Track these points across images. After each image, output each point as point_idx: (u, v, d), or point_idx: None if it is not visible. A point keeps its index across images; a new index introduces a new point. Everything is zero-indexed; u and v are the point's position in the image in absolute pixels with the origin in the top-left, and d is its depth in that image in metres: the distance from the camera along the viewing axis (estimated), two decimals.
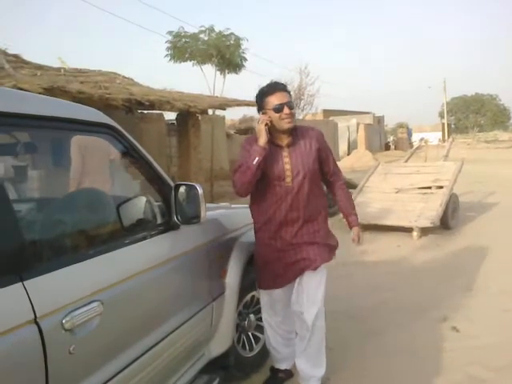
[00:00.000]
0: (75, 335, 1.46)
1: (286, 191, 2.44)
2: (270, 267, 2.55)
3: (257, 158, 2.33)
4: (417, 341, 3.31)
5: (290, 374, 2.79)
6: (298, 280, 2.52)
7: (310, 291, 2.49)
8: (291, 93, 2.60)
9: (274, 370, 2.81)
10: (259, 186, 2.45)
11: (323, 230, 2.57)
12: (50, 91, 6.22)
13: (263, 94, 2.44)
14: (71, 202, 1.93)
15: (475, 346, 3.19)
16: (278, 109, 2.38)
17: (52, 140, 2.22)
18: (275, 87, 2.43)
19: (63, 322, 1.41)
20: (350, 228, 2.68)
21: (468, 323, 3.58)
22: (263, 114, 2.44)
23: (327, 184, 2.69)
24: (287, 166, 2.43)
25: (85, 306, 1.50)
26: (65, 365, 1.44)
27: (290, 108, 2.40)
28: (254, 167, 2.33)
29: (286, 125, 2.40)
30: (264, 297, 2.68)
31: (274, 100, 2.39)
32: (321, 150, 2.52)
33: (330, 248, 2.60)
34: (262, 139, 2.36)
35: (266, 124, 2.38)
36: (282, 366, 2.79)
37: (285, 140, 2.47)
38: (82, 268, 1.58)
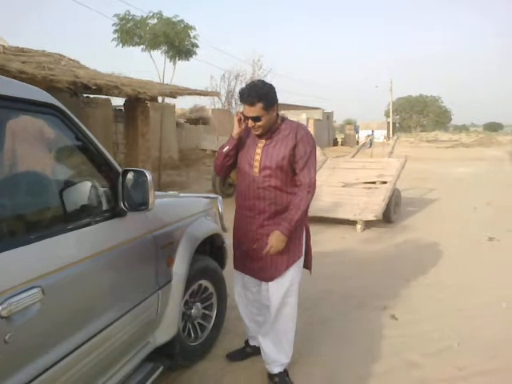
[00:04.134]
0: (12, 323, 1.40)
1: (253, 180, 2.54)
2: (243, 249, 2.67)
3: (227, 147, 2.62)
4: (358, 328, 3.44)
5: (257, 351, 2.82)
6: (264, 283, 2.65)
7: (278, 296, 2.58)
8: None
9: (246, 343, 2.99)
10: (240, 170, 2.64)
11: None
12: None
13: (240, 98, 2.50)
14: (9, 185, 1.83)
15: (411, 334, 3.35)
16: (246, 118, 2.50)
17: None
18: (243, 99, 2.45)
19: None
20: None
21: (405, 312, 3.75)
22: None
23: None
24: (257, 157, 2.54)
25: (24, 292, 1.44)
26: None
27: (256, 121, 2.46)
28: (223, 154, 2.63)
29: (253, 132, 2.55)
30: (236, 274, 2.80)
31: (244, 110, 2.49)
32: (296, 147, 2.47)
33: (296, 247, 2.56)
34: (235, 131, 2.59)
35: (240, 119, 2.54)
36: (252, 343, 2.94)
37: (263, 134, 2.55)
38: (21, 253, 1.51)
